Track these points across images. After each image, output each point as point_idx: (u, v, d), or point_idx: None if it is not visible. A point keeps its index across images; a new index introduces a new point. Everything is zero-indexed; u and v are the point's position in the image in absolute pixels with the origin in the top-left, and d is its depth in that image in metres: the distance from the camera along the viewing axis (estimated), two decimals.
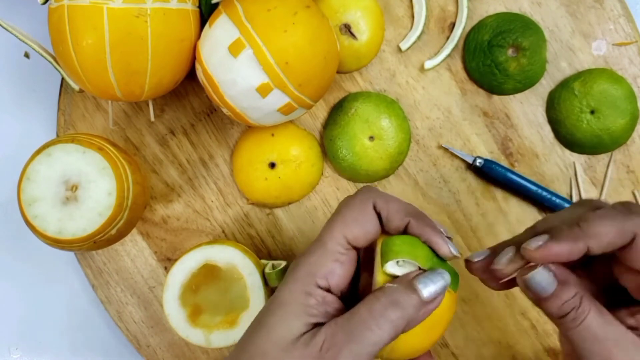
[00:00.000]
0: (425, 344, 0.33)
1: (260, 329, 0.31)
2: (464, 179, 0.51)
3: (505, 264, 0.33)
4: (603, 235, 0.30)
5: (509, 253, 0.33)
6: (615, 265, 0.32)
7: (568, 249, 0.30)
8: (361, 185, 0.52)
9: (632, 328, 0.31)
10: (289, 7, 0.41)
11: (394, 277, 0.32)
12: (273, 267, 0.47)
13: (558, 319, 0.31)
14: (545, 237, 0.31)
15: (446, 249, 0.32)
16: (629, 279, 0.32)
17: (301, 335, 0.30)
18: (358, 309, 0.30)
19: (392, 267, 0.32)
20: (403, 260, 0.32)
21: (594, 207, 0.33)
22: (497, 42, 0.48)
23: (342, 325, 0.30)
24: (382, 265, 0.32)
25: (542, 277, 0.31)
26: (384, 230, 0.34)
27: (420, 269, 0.32)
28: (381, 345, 0.29)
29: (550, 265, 0.31)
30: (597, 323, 0.30)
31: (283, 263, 0.48)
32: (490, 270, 0.34)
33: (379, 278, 0.32)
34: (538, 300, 0.31)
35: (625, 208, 0.31)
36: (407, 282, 0.31)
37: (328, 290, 0.32)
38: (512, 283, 0.34)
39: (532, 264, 0.32)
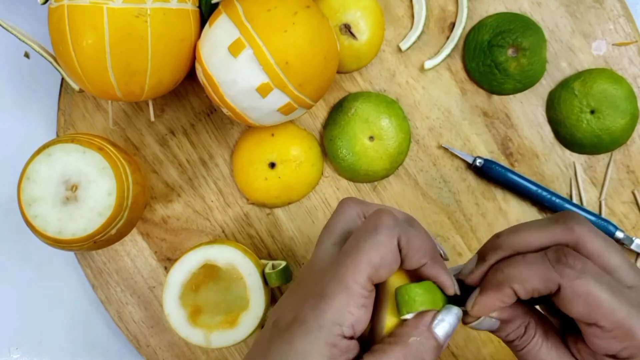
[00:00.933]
0: None
1: None
2: (464, 179, 0.51)
3: (467, 273, 0.34)
4: (525, 281, 0.30)
5: (472, 261, 0.34)
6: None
7: (498, 298, 0.31)
8: (361, 185, 0.52)
9: (573, 356, 0.32)
10: (289, 7, 0.41)
11: (403, 320, 0.31)
12: (273, 267, 0.47)
13: (506, 343, 0.33)
14: (475, 292, 0.33)
15: (453, 290, 0.32)
16: (568, 312, 0.32)
17: None
18: None
19: (410, 315, 0.31)
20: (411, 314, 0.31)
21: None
22: (497, 42, 0.48)
23: None
24: (402, 314, 0.31)
25: (486, 324, 0.33)
26: None
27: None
28: None
29: (495, 315, 0.33)
30: (539, 350, 0.32)
31: (283, 263, 0.48)
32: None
33: (388, 322, 0.31)
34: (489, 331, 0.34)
35: (554, 256, 0.31)
36: (427, 331, 0.30)
37: (352, 337, 0.30)
38: None
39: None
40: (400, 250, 0.31)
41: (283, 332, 0.30)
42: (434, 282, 0.32)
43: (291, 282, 0.47)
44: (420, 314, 0.31)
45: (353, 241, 0.31)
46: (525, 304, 0.33)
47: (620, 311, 0.29)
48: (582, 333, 0.31)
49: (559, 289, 0.30)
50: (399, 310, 0.31)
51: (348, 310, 0.29)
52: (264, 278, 0.47)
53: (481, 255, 0.34)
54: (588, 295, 0.29)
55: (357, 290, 0.29)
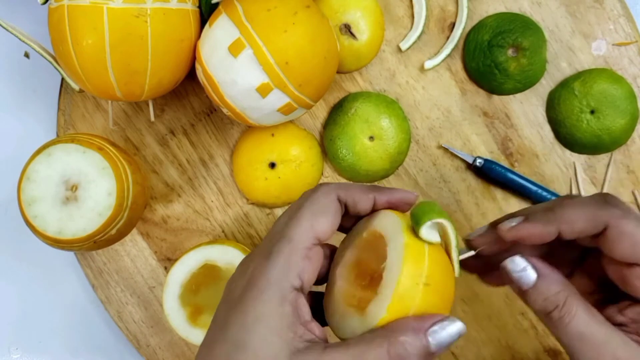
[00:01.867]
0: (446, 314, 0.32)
1: (241, 349, 0.27)
2: (464, 179, 0.51)
3: (475, 235, 0.34)
4: (574, 221, 0.31)
5: (483, 228, 0.34)
6: (602, 257, 0.32)
7: (539, 230, 0.31)
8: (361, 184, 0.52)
9: (621, 325, 0.31)
10: (289, 7, 0.41)
11: (422, 241, 0.30)
12: None
13: (544, 316, 0.31)
14: (519, 218, 0.32)
15: (412, 195, 0.33)
16: (612, 269, 0.32)
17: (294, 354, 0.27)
18: (362, 356, 0.27)
19: (426, 230, 0.30)
20: (432, 223, 0.30)
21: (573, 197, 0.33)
22: (497, 42, 0.48)
23: None
24: (421, 225, 0.30)
25: (517, 264, 0.31)
26: (349, 217, 0.33)
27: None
28: None
29: (531, 259, 0.32)
30: (584, 322, 0.30)
31: None
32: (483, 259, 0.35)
33: (406, 240, 0.30)
34: (521, 292, 0.32)
35: (601, 198, 0.31)
36: (422, 334, 0.28)
37: (301, 290, 0.30)
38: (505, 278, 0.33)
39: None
40: (347, 204, 0.32)
41: (236, 303, 0.29)
42: (394, 202, 0.33)
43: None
44: (421, 318, 0.29)
45: (296, 204, 0.32)
46: (560, 273, 0.32)
47: None
48: (623, 282, 0.31)
49: (604, 230, 0.30)
50: (416, 226, 0.30)
51: (293, 261, 0.29)
52: None
53: (493, 224, 0.34)
54: (633, 234, 0.29)
55: (300, 242, 0.30)
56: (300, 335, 0.28)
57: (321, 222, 0.31)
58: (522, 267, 0.31)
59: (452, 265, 0.32)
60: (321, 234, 0.31)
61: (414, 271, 0.29)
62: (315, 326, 0.30)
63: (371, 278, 0.31)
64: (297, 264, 0.30)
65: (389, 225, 0.32)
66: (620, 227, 0.30)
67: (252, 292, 0.29)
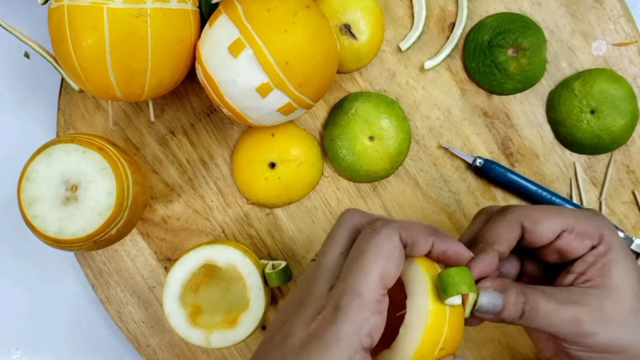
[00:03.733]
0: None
1: None
2: (464, 179, 0.51)
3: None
4: (501, 237, 0.34)
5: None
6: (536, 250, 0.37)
7: (489, 262, 0.34)
8: (361, 185, 0.52)
9: (572, 284, 0.34)
10: (289, 7, 0.41)
11: (445, 305, 0.32)
12: (273, 267, 0.47)
13: (519, 319, 0.33)
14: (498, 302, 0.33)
15: (468, 254, 0.34)
16: (545, 252, 0.36)
17: None
18: None
19: (454, 299, 0.31)
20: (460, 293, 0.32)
21: (484, 219, 0.38)
22: (497, 42, 0.48)
23: None
24: (448, 295, 0.31)
25: (488, 299, 0.33)
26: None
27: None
28: None
29: (486, 284, 0.33)
30: (545, 299, 0.33)
31: (283, 263, 0.48)
32: None
33: (431, 307, 0.31)
34: (497, 318, 0.33)
35: (502, 209, 0.37)
36: None
37: (370, 347, 0.29)
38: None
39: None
40: (405, 245, 0.31)
41: (300, 351, 0.28)
42: (448, 254, 0.33)
43: (292, 290, 0.47)
44: (447, 357, 0.31)
45: (357, 249, 0.31)
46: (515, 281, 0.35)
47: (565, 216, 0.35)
48: (560, 255, 0.35)
49: (522, 231, 0.34)
50: (443, 294, 0.31)
51: (364, 317, 0.28)
52: (264, 278, 0.47)
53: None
54: (541, 220, 0.35)
55: (371, 296, 0.29)
56: None
57: (388, 272, 0.30)
58: (495, 300, 0.33)
59: (464, 309, 0.33)
60: (389, 283, 0.30)
61: (434, 339, 0.30)
62: None
63: (390, 325, 0.32)
64: (367, 321, 0.28)
65: (415, 277, 0.32)
66: (535, 225, 0.34)
67: (319, 344, 0.28)
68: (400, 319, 0.31)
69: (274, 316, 0.33)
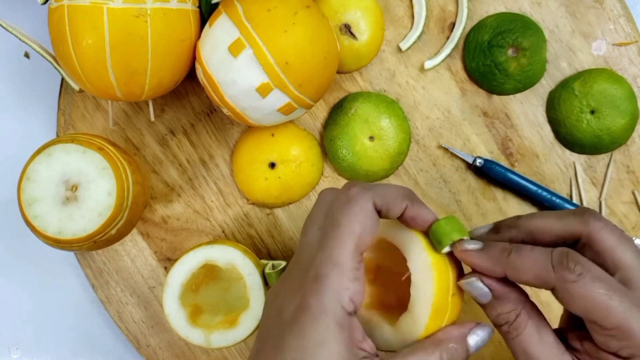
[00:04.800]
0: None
1: None
2: (464, 179, 0.51)
3: (477, 235, 0.36)
4: (522, 273, 0.31)
5: (486, 227, 0.36)
6: None
7: (486, 267, 0.32)
8: None
9: (576, 350, 0.32)
10: (289, 7, 0.41)
11: (442, 255, 0.33)
12: (273, 267, 0.47)
13: (497, 327, 0.33)
14: (478, 244, 0.33)
15: (432, 218, 0.34)
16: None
17: None
18: None
19: (447, 249, 0.33)
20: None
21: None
22: (497, 42, 0.48)
23: None
24: (443, 246, 0.33)
25: (475, 286, 0.33)
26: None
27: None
28: None
29: (488, 281, 0.33)
30: (529, 341, 0.32)
31: (283, 263, 0.48)
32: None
33: (432, 259, 0.32)
34: (479, 304, 0.34)
35: (560, 258, 0.31)
36: (463, 341, 0.32)
37: (354, 312, 0.30)
38: None
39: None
40: (380, 211, 0.32)
41: (291, 324, 0.30)
42: (417, 221, 0.33)
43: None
44: (460, 326, 0.33)
45: (332, 218, 0.32)
46: (522, 292, 0.34)
47: (618, 312, 0.29)
48: (586, 325, 0.31)
49: (554, 288, 0.30)
50: (439, 245, 0.33)
51: (344, 286, 0.30)
52: (264, 278, 0.47)
53: (496, 227, 0.35)
54: (584, 297, 0.29)
55: (348, 265, 0.30)
56: (355, 354, 0.30)
57: (364, 240, 0.31)
58: (482, 292, 0.33)
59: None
60: (364, 250, 0.31)
61: (444, 288, 0.32)
62: (367, 344, 0.31)
63: (395, 292, 0.35)
64: (348, 288, 0.30)
65: (407, 241, 0.34)
66: (570, 290, 0.30)
67: (307, 316, 0.29)
68: (406, 283, 0.33)
69: (270, 295, 0.34)
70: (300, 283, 0.31)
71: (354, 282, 0.30)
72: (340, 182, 0.52)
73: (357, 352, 0.30)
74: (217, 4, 0.44)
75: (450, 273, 0.33)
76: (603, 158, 0.51)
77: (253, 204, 0.53)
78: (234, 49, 0.40)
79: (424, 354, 0.31)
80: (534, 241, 0.34)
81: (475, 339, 0.33)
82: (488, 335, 0.33)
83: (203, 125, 0.52)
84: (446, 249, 0.33)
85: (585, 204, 0.51)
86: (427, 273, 0.32)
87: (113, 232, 0.44)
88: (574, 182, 0.51)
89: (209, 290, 0.47)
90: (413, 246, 0.33)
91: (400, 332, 0.33)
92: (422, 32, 0.50)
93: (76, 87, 0.49)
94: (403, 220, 0.34)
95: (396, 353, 0.31)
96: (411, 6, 0.51)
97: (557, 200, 0.49)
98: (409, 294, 0.33)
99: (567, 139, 0.50)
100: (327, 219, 0.33)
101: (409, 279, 0.33)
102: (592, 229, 0.32)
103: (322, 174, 0.52)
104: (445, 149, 0.51)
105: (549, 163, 0.51)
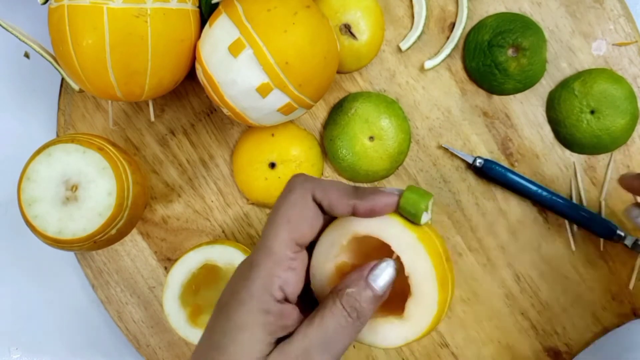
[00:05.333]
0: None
1: (221, 353, 0.30)
2: (464, 179, 0.51)
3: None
4: None
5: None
6: None
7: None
8: (361, 185, 0.52)
9: None
10: (289, 7, 0.41)
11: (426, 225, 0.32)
12: None
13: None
14: None
15: (393, 200, 0.32)
16: None
17: (267, 356, 0.29)
18: (323, 321, 0.30)
19: (424, 217, 0.32)
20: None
21: None
22: (497, 42, 0.48)
23: (312, 338, 0.29)
24: (420, 222, 0.31)
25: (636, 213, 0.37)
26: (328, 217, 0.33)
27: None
28: (346, 349, 0.30)
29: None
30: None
31: None
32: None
33: (415, 234, 0.31)
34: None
35: None
36: (363, 282, 0.30)
37: (285, 300, 0.31)
38: None
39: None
40: (321, 205, 0.31)
41: (221, 309, 0.31)
42: (376, 210, 0.32)
43: None
44: (360, 268, 0.31)
45: (274, 206, 0.32)
46: None
47: None
48: None
49: None
50: (416, 219, 0.31)
51: (276, 274, 0.30)
52: None
53: None
54: None
55: (282, 254, 0.30)
56: (275, 331, 0.30)
57: (299, 230, 0.31)
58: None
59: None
60: (301, 241, 0.31)
61: (438, 256, 0.31)
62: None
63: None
64: (279, 277, 0.30)
65: (383, 226, 0.32)
66: None
67: (235, 301, 0.30)
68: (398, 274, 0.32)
69: None
70: (238, 270, 0.32)
71: (287, 272, 0.30)
72: None
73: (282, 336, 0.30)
74: (217, 4, 0.44)
75: (435, 240, 0.32)
76: (603, 158, 0.51)
77: (253, 204, 0.53)
78: (234, 49, 0.40)
79: (326, 310, 0.30)
80: None
81: (377, 277, 0.31)
82: (390, 268, 0.31)
83: (203, 125, 0.52)
84: (424, 219, 0.31)
85: (585, 204, 0.51)
86: (418, 249, 0.31)
87: (113, 232, 0.44)
88: (574, 182, 0.51)
89: (209, 291, 0.47)
90: (391, 229, 0.31)
91: (412, 320, 0.32)
92: (422, 32, 0.50)
93: (76, 87, 0.49)
94: (361, 216, 0.32)
95: (306, 319, 0.30)
96: (411, 6, 0.51)
97: (557, 200, 0.49)
98: (403, 280, 0.31)
99: (567, 139, 0.50)
100: (274, 205, 0.33)
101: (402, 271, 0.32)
102: None
103: (322, 174, 0.52)
104: (445, 149, 0.51)
105: (549, 163, 0.51)
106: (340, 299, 0.30)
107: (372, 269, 0.31)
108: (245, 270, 0.31)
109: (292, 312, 0.31)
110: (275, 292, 0.30)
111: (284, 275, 0.30)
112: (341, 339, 0.30)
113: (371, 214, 0.32)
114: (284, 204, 0.31)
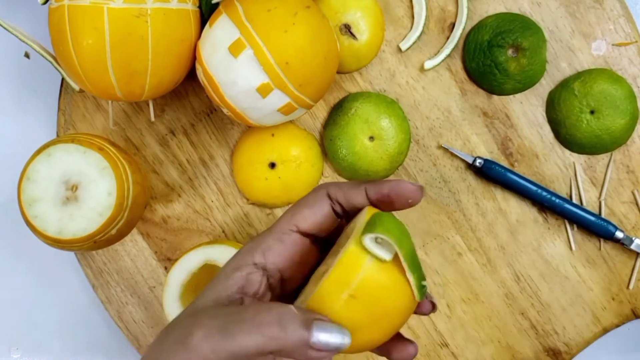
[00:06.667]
0: (377, 337, 0.30)
1: (194, 307, 0.31)
2: (464, 179, 0.51)
3: None
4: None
5: None
6: None
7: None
8: None
9: None
10: (289, 7, 0.41)
11: (366, 252, 0.28)
12: None
13: None
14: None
15: (408, 187, 0.31)
16: None
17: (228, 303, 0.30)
18: (248, 307, 0.29)
19: (370, 241, 0.28)
20: (382, 239, 0.28)
21: None
22: (497, 42, 0.48)
23: (226, 316, 0.28)
24: (363, 234, 0.28)
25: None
26: (347, 217, 0.33)
27: (396, 259, 0.28)
28: (246, 352, 0.27)
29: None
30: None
31: None
32: None
33: (350, 246, 0.28)
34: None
35: None
36: (308, 317, 0.28)
37: (264, 268, 0.31)
38: None
39: None
40: (339, 200, 0.32)
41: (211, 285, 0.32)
42: (392, 197, 0.31)
43: None
44: (311, 311, 0.28)
45: None
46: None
47: None
48: None
49: None
50: (361, 235, 0.28)
51: (263, 239, 0.32)
52: None
53: None
54: None
55: (277, 226, 0.32)
56: (229, 296, 0.30)
57: (302, 213, 0.32)
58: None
59: (412, 290, 0.29)
60: (300, 223, 0.32)
61: (342, 278, 0.28)
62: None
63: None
64: (266, 243, 0.32)
65: (356, 227, 0.30)
66: None
67: (225, 265, 0.32)
68: None
69: None
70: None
71: (276, 242, 0.32)
72: None
73: (233, 295, 0.30)
74: (217, 4, 0.44)
75: (361, 273, 0.28)
76: (603, 158, 0.51)
77: (253, 204, 0.53)
78: (234, 49, 0.40)
79: (262, 307, 0.29)
80: None
81: (321, 327, 0.28)
82: (340, 337, 0.28)
83: (203, 125, 0.52)
84: (366, 240, 0.28)
85: (585, 204, 0.51)
86: (338, 257, 0.28)
87: (113, 232, 0.44)
88: (573, 182, 0.51)
89: None
90: (355, 231, 0.29)
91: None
92: (422, 32, 0.50)
93: (76, 87, 0.49)
94: (380, 203, 0.32)
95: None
96: (411, 6, 0.51)
97: (557, 200, 0.49)
98: None
99: (567, 139, 0.50)
100: None
101: None
102: None
103: (322, 174, 0.52)
104: (445, 149, 0.51)
105: (549, 163, 0.51)
106: (276, 305, 0.28)
107: (326, 321, 0.28)
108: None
109: (258, 282, 0.31)
110: (256, 255, 0.31)
111: (269, 240, 0.32)
112: (239, 335, 0.27)
113: (388, 199, 0.32)
114: (298, 201, 0.33)
